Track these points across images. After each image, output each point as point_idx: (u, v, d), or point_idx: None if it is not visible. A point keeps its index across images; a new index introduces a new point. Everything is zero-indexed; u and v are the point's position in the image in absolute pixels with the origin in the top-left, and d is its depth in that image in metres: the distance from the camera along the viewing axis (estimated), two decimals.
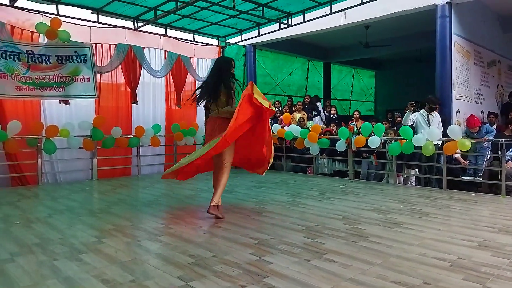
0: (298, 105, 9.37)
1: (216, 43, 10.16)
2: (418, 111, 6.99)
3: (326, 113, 10.01)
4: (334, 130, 8.24)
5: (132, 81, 8.18)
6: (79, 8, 7.48)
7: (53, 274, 2.67)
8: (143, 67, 8.36)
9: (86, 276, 2.62)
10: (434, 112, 6.91)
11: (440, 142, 6.56)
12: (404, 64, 15.04)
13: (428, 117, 6.85)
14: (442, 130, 6.61)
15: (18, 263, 2.87)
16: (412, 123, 6.94)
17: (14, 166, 6.76)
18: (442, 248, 3.18)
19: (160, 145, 8.44)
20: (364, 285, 2.44)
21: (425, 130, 6.57)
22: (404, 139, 6.48)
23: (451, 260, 2.88)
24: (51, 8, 7.16)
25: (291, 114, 9.23)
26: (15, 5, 6.68)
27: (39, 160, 6.86)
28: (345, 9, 8.13)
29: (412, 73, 14.55)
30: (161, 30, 8.92)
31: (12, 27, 6.71)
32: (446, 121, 7.00)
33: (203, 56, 9.70)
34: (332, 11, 8.03)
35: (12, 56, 6.58)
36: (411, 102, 6.90)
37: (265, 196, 5.61)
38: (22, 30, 6.82)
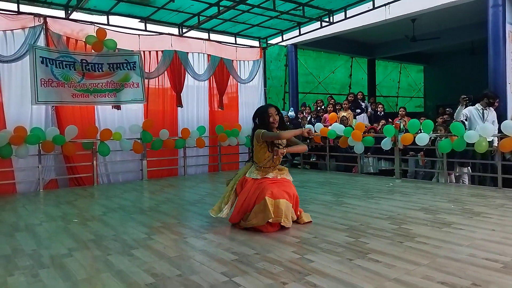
0: (345, 104, 9.23)
1: (258, 45, 10.26)
2: (472, 106, 6.61)
3: (372, 110, 9.78)
4: (379, 128, 8.02)
5: (177, 85, 8.48)
6: (128, 18, 7.90)
7: (106, 268, 2.85)
8: (187, 72, 8.64)
9: (137, 270, 2.78)
10: (490, 107, 6.51)
11: (495, 139, 6.18)
12: (455, 57, 14.31)
13: (483, 112, 6.45)
14: (497, 126, 6.23)
15: (75, 258, 3.10)
16: (465, 118, 6.58)
17: (71, 168, 7.26)
18: (495, 249, 3.02)
19: (205, 146, 8.67)
20: (409, 286, 2.39)
21: (479, 125, 6.22)
22: (455, 135, 6.18)
23: (504, 262, 2.73)
24: (102, 19, 7.62)
25: (335, 112, 9.10)
26: (70, 17, 7.17)
27: (94, 162, 7.30)
28: (389, 3, 7.91)
29: (464, 66, 13.82)
30: (204, 35, 9.17)
31: (68, 38, 7.20)
32: (501, 116, 6.59)
33: (244, 58, 9.84)
34: (376, 6, 7.84)
35: (68, 65, 7.07)
36: (464, 96, 6.49)
37: (307, 196, 5.60)
38: (76, 40, 7.31)
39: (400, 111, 8.65)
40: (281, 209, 3.61)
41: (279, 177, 3.87)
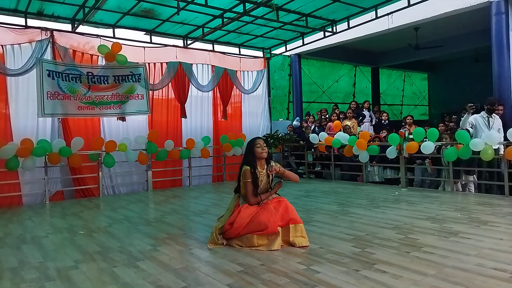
0: (349, 113, 9.23)
1: (262, 55, 10.33)
2: (478, 113, 6.57)
3: (376, 119, 9.77)
4: (383, 136, 8.01)
5: (182, 96, 8.55)
6: (133, 30, 8.01)
7: (112, 280, 2.86)
8: (191, 83, 8.71)
9: (142, 282, 2.78)
10: (495, 114, 6.48)
11: (501, 146, 6.14)
12: (459, 64, 14.31)
13: (488, 119, 6.42)
14: (503, 134, 6.19)
15: (81, 270, 3.10)
16: (471, 126, 6.54)
17: (77, 179, 7.30)
18: (503, 258, 2.99)
19: (209, 156, 8.70)
20: None
21: (485, 133, 6.19)
22: (461, 143, 6.16)
23: None
24: (108, 32, 7.73)
25: (339, 121, 9.10)
26: (76, 31, 7.28)
27: (100, 173, 7.34)
28: (391, 12, 7.94)
29: (469, 73, 13.81)
30: (209, 46, 9.26)
31: (74, 51, 7.30)
32: (507, 124, 6.55)
33: (248, 69, 9.91)
34: (378, 16, 7.88)
35: (74, 78, 7.16)
36: (471, 105, 6.44)
37: (313, 205, 5.58)
38: (82, 53, 7.41)
39: (408, 119, 8.62)
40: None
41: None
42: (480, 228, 3.98)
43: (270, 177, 3.86)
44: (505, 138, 5.95)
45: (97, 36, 7.58)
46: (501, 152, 6.12)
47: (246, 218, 3.59)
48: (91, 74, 7.34)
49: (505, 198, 5.72)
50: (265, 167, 3.82)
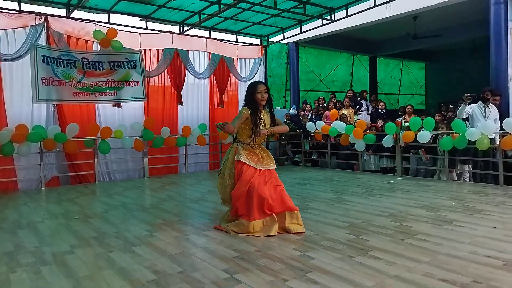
0: (346, 102, 9.21)
1: (259, 43, 10.25)
2: (475, 103, 6.58)
3: (373, 108, 9.76)
4: (380, 126, 8.02)
5: (178, 83, 8.48)
6: (129, 16, 7.89)
7: (108, 265, 2.86)
8: (188, 70, 8.64)
9: (138, 267, 2.79)
10: (491, 104, 6.48)
11: (497, 136, 6.17)
12: (457, 54, 14.26)
13: (485, 109, 6.42)
14: (499, 124, 6.21)
15: (77, 255, 3.11)
16: (467, 115, 6.56)
17: (73, 166, 7.27)
18: (496, 246, 3.02)
19: (206, 144, 8.69)
20: (410, 283, 2.39)
21: (481, 123, 6.20)
22: (457, 133, 6.17)
23: (505, 259, 2.73)
24: (103, 17, 7.61)
25: (336, 110, 9.09)
26: (71, 16, 7.17)
27: (96, 159, 7.32)
28: (390, 0, 7.88)
29: (466, 63, 13.77)
30: (205, 33, 9.16)
31: (69, 37, 7.21)
32: (503, 114, 6.57)
33: (245, 56, 9.83)
34: (377, 4, 7.82)
35: (69, 64, 7.08)
36: (467, 95, 6.45)
37: (308, 193, 5.61)
38: (77, 39, 7.31)
39: (408, 108, 8.62)
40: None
41: (264, 167, 3.75)
42: (474, 216, 4.01)
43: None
44: (501, 128, 5.96)
45: (92, 21, 7.47)
46: (497, 142, 6.14)
47: (245, 185, 3.63)
48: (86, 60, 7.26)
49: (500, 188, 5.77)
50: (266, 114, 3.89)
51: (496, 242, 3.13)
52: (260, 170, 3.70)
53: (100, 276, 2.66)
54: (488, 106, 6.42)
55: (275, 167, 3.87)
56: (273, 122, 3.93)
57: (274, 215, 3.58)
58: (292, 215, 3.64)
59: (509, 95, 7.02)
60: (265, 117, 3.88)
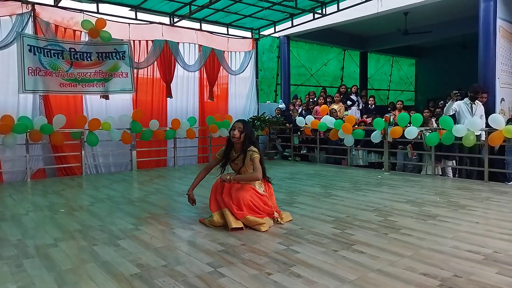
0: (336, 97, 9.22)
1: (250, 36, 10.19)
2: (462, 100, 6.64)
3: (363, 103, 9.80)
4: (369, 121, 8.06)
5: (167, 75, 8.41)
6: (118, 6, 7.78)
7: (92, 258, 2.84)
8: (178, 62, 8.57)
9: (122, 260, 2.78)
10: (478, 101, 6.55)
11: (483, 133, 6.24)
12: (447, 51, 14.37)
13: (471, 106, 6.49)
14: (485, 120, 6.28)
15: (61, 248, 3.08)
16: (454, 112, 6.62)
17: (59, 158, 7.18)
18: (477, 241, 3.07)
19: (195, 137, 8.64)
20: (392, 277, 2.42)
21: (467, 119, 6.27)
22: (444, 129, 6.24)
23: (485, 254, 2.78)
24: (92, 7, 7.49)
25: (326, 104, 9.11)
26: (59, 5, 7.04)
27: (83, 152, 7.24)
28: None
29: (456, 60, 13.88)
30: (196, 25, 9.08)
31: (56, 26, 7.08)
32: (489, 111, 6.65)
33: (236, 49, 9.77)
34: None
35: (56, 54, 6.96)
36: (456, 92, 6.53)
37: (296, 187, 5.63)
38: (65, 29, 7.19)
39: (398, 104, 8.67)
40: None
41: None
42: (458, 212, 4.07)
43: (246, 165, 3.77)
44: (487, 125, 6.04)
45: (80, 11, 7.34)
46: (483, 138, 6.22)
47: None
48: (73, 50, 7.14)
49: (484, 184, 5.85)
50: (242, 156, 3.76)
51: (478, 237, 3.18)
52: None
53: (83, 269, 2.64)
54: (474, 103, 6.49)
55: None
56: (244, 164, 3.76)
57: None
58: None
59: (496, 91, 7.11)
60: (246, 162, 3.75)
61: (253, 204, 3.57)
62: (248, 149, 3.71)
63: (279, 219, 3.69)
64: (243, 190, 3.62)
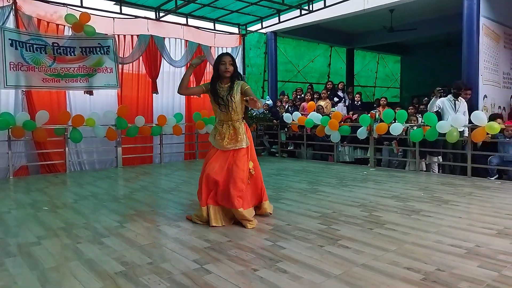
0: (323, 94, 9.27)
1: (237, 31, 10.14)
2: (445, 97, 6.76)
3: (349, 100, 9.88)
4: (354, 118, 8.13)
5: (153, 71, 8.32)
6: (102, 0, 7.64)
7: (75, 256, 2.80)
8: (164, 57, 8.48)
9: (107, 258, 2.74)
10: (461, 98, 6.66)
11: (466, 129, 6.35)
12: (431, 48, 14.56)
13: (455, 102, 6.60)
14: (468, 117, 6.39)
15: (44, 246, 3.03)
16: (438, 109, 6.73)
17: (43, 154, 7.05)
18: (460, 235, 3.13)
19: (182, 134, 8.59)
20: (376, 271, 2.45)
21: (451, 116, 6.37)
22: (428, 125, 6.33)
23: (467, 248, 2.83)
24: (76, 1, 7.34)
25: (313, 101, 9.15)
26: None
27: (67, 148, 7.13)
28: None
29: (440, 57, 14.08)
30: (182, 20, 8.99)
31: (39, 20, 6.92)
32: (472, 107, 6.77)
33: (223, 45, 9.72)
34: None
35: (38, 49, 6.82)
36: (439, 88, 6.65)
37: (283, 183, 5.65)
38: (48, 23, 7.03)
39: (382, 100, 8.77)
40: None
41: (225, 148, 3.66)
42: (441, 206, 4.14)
43: (240, 104, 3.71)
44: (470, 121, 6.14)
45: (64, 5, 7.19)
46: (466, 134, 6.33)
47: (203, 167, 3.65)
48: (56, 44, 7.00)
49: (467, 179, 5.96)
50: (230, 85, 3.68)
51: (460, 232, 3.24)
52: (218, 150, 3.67)
53: (67, 267, 2.60)
54: (458, 100, 6.60)
55: (243, 146, 3.64)
56: (230, 94, 3.68)
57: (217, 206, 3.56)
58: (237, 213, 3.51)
59: (479, 88, 7.23)
60: (227, 90, 3.67)
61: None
62: (236, 80, 3.70)
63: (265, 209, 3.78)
64: (240, 170, 3.56)
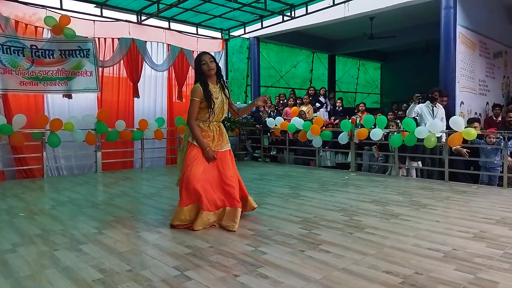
0: (305, 99, 9.36)
1: (220, 36, 10.15)
2: (423, 103, 6.93)
3: (331, 105, 9.99)
4: (335, 123, 8.22)
5: (134, 74, 8.23)
6: (82, 2, 7.53)
7: (52, 263, 2.73)
8: (145, 61, 8.40)
9: (85, 265, 2.68)
10: (438, 104, 6.84)
11: (443, 135, 6.51)
12: (410, 55, 14.90)
13: (433, 108, 6.77)
14: (445, 122, 6.56)
15: (19, 253, 2.94)
16: (416, 115, 6.89)
17: (19, 159, 6.88)
18: (437, 239, 3.19)
19: (163, 138, 8.51)
20: (356, 275, 2.47)
21: (429, 122, 6.53)
22: (407, 131, 6.46)
23: (445, 251, 2.89)
24: (55, 3, 7.22)
25: (296, 106, 9.22)
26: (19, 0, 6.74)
27: (44, 153, 6.96)
28: (348, 0, 8.06)
29: (419, 64, 14.42)
30: (165, 24, 8.94)
31: (17, 22, 6.77)
32: (450, 113, 6.94)
33: (206, 50, 9.58)
34: (335, 3, 7.98)
35: (16, 51, 6.66)
36: (417, 95, 6.84)
37: (265, 188, 5.66)
38: (26, 25, 6.89)
39: (360, 106, 8.92)
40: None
41: (217, 149, 3.72)
42: (420, 211, 4.22)
43: (229, 99, 3.84)
44: (448, 127, 6.30)
45: (43, 6, 7.06)
46: (443, 140, 6.49)
47: (186, 167, 3.58)
48: (35, 47, 6.86)
49: (445, 183, 6.10)
50: (217, 82, 3.73)
51: (437, 235, 3.31)
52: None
53: (43, 275, 2.53)
54: (435, 106, 6.77)
55: (229, 148, 3.82)
56: (224, 93, 3.80)
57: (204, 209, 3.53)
58: (230, 213, 3.56)
59: (456, 95, 7.44)
60: (219, 89, 3.74)
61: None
62: (222, 80, 3.78)
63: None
64: (234, 168, 3.74)
